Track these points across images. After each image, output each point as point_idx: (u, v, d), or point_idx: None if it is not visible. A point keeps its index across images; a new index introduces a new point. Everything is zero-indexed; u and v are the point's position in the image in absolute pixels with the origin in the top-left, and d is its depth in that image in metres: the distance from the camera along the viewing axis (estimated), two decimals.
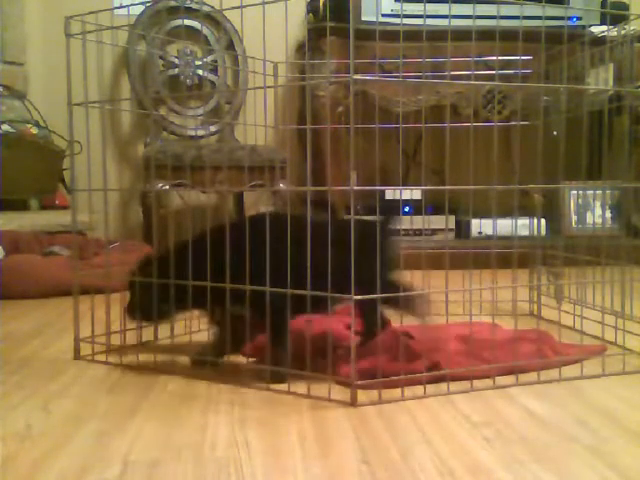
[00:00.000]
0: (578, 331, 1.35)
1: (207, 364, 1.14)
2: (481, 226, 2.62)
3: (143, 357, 1.18)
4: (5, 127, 2.36)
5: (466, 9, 1.81)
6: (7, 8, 2.62)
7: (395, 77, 2.25)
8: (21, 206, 2.45)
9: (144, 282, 1.15)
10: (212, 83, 2.80)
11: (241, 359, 1.21)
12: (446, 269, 1.11)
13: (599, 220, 2.55)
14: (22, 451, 0.81)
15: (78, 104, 1.21)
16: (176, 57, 2.74)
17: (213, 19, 2.80)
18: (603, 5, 2.59)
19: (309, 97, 2.29)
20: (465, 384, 1.05)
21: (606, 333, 1.26)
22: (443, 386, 1.04)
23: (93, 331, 1.24)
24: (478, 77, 1.16)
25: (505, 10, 2.15)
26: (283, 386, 1.04)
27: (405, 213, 2.40)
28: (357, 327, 1.16)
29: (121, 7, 1.29)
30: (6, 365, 1.19)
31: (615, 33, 1.76)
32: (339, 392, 1.01)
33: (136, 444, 0.83)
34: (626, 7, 2.62)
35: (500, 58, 2.09)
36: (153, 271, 1.14)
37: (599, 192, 2.48)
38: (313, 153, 2.39)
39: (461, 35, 1.50)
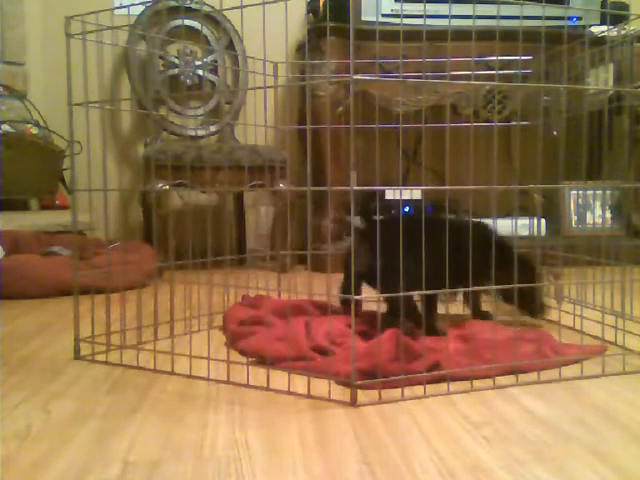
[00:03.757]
0: (578, 331, 1.35)
1: None
2: None
3: (143, 357, 1.18)
4: (5, 127, 2.36)
5: (466, 9, 1.82)
6: (7, 8, 2.62)
7: (395, 77, 2.25)
8: (21, 206, 2.45)
9: None
10: (212, 83, 2.80)
11: (241, 359, 1.21)
12: (446, 269, 1.11)
13: (599, 220, 2.55)
14: (22, 451, 0.81)
15: (78, 104, 1.21)
16: (176, 57, 2.74)
17: (213, 19, 2.80)
18: (603, 5, 2.59)
19: (309, 97, 2.29)
20: (465, 384, 1.05)
21: (606, 333, 1.26)
22: (443, 386, 1.04)
23: (93, 331, 1.24)
24: (478, 77, 1.16)
25: (505, 10, 2.15)
26: (283, 386, 1.04)
27: (405, 213, 2.40)
28: (358, 326, 1.16)
29: (121, 7, 1.29)
30: (6, 365, 1.19)
31: (615, 33, 1.76)
32: (339, 392, 1.01)
33: (136, 444, 0.83)
34: (626, 7, 2.62)
35: (500, 58, 2.09)
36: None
37: (599, 192, 2.48)
38: (313, 153, 2.40)
39: (461, 35, 1.50)
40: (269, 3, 1.06)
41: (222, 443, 0.83)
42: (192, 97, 2.84)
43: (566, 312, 1.42)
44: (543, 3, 1.32)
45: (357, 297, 1.01)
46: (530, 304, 1.32)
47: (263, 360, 1.11)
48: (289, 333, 1.20)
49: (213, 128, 2.79)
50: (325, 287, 1.17)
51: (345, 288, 1.39)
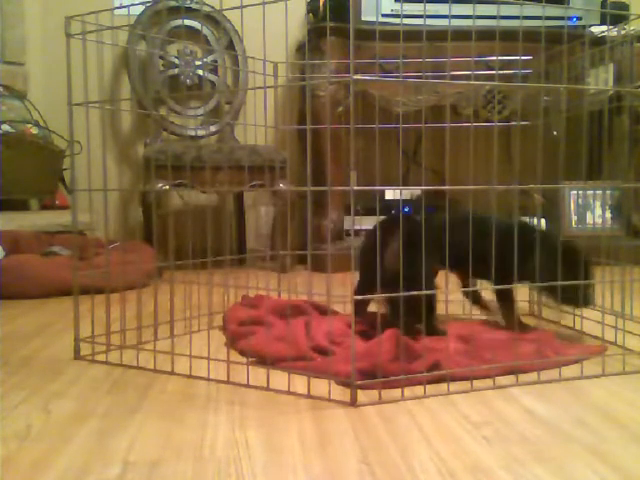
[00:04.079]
0: (578, 331, 1.35)
1: None
2: None
3: (143, 357, 1.18)
4: (5, 127, 2.36)
5: (466, 9, 1.81)
6: (7, 8, 2.62)
7: (395, 77, 2.25)
8: (21, 206, 2.45)
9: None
10: (212, 83, 2.80)
11: (241, 359, 1.21)
12: (446, 269, 1.11)
13: (599, 220, 2.55)
14: (22, 451, 0.81)
15: (78, 104, 1.21)
16: (176, 57, 2.74)
17: (213, 19, 2.80)
18: (603, 5, 2.59)
19: (309, 97, 2.29)
20: (465, 384, 1.05)
21: (606, 333, 1.26)
22: (443, 386, 1.04)
23: (93, 331, 1.24)
24: (478, 77, 1.16)
25: (505, 10, 2.15)
26: (283, 386, 1.04)
27: (405, 213, 2.40)
28: (358, 326, 1.16)
29: (121, 7, 1.29)
30: (6, 365, 1.19)
31: (615, 33, 1.76)
32: (339, 392, 1.01)
33: (136, 444, 0.83)
34: (626, 7, 2.62)
35: (500, 58, 2.09)
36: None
37: (599, 192, 2.48)
38: (313, 153, 2.40)
39: (461, 35, 1.50)
40: (269, 3, 1.06)
41: (222, 443, 0.83)
42: (192, 97, 2.84)
43: (566, 312, 1.42)
44: (543, 3, 1.32)
45: (357, 297, 1.01)
46: (577, 293, 1.29)
47: (263, 360, 1.11)
48: (289, 333, 1.20)
49: (213, 128, 2.79)
50: (325, 287, 1.17)
51: (361, 290, 1.34)
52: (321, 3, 2.52)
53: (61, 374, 1.13)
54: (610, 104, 2.27)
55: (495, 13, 2.06)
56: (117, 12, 2.37)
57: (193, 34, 2.78)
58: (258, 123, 1.45)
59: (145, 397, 1.01)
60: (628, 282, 1.26)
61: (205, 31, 2.80)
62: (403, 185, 2.72)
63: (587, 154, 2.42)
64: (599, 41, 1.84)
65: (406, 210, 2.43)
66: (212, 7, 2.69)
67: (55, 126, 2.52)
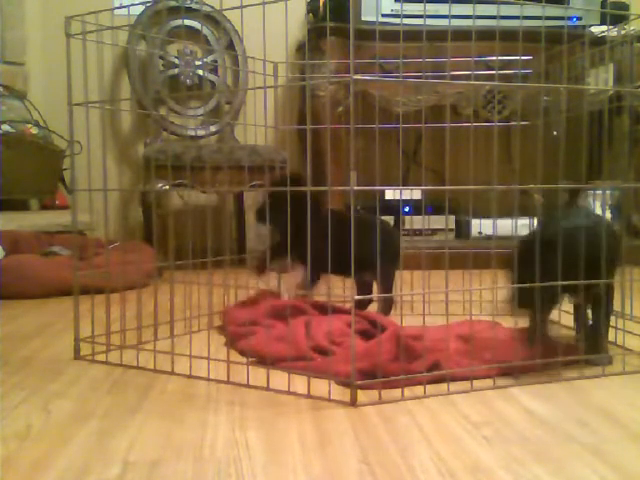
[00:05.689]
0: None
1: None
2: (481, 226, 2.62)
3: (143, 357, 1.18)
4: (5, 127, 2.36)
5: (466, 9, 1.81)
6: (7, 8, 2.62)
7: (395, 77, 2.25)
8: (21, 206, 2.45)
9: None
10: (212, 83, 2.80)
11: (241, 359, 1.21)
12: (446, 269, 1.11)
13: None
14: (22, 451, 0.81)
15: (78, 104, 1.21)
16: (176, 57, 2.74)
17: (213, 19, 2.80)
18: (603, 5, 2.59)
19: (309, 97, 2.29)
20: (465, 384, 1.05)
21: None
22: (443, 386, 1.04)
23: (93, 331, 1.24)
24: (478, 77, 1.16)
25: (505, 10, 2.15)
26: (283, 386, 1.04)
27: (405, 213, 2.40)
28: (358, 326, 1.16)
29: (121, 7, 1.29)
30: (6, 365, 1.19)
31: (615, 33, 1.76)
32: (339, 392, 1.01)
33: (136, 444, 0.83)
34: (626, 7, 2.62)
35: (500, 58, 2.09)
36: None
37: (599, 192, 2.48)
38: (313, 153, 2.39)
39: (461, 35, 1.50)
40: (269, 3, 1.06)
41: (222, 443, 0.83)
42: (192, 97, 2.84)
43: (566, 312, 1.42)
44: (543, 3, 1.32)
45: (357, 297, 1.01)
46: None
47: (263, 360, 1.11)
48: (289, 333, 1.20)
49: (213, 128, 2.78)
50: (325, 287, 1.17)
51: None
52: (321, 3, 2.52)
53: (61, 374, 1.13)
54: (610, 104, 2.27)
55: (495, 13, 2.06)
56: (117, 12, 2.36)
57: (193, 34, 2.78)
58: (258, 123, 1.45)
59: (145, 397, 1.01)
60: (628, 282, 1.26)
61: (205, 31, 2.80)
62: (403, 185, 2.72)
63: (587, 154, 2.41)
64: (599, 41, 1.84)
65: (406, 210, 2.43)
66: (212, 7, 2.69)
67: (55, 126, 2.52)
